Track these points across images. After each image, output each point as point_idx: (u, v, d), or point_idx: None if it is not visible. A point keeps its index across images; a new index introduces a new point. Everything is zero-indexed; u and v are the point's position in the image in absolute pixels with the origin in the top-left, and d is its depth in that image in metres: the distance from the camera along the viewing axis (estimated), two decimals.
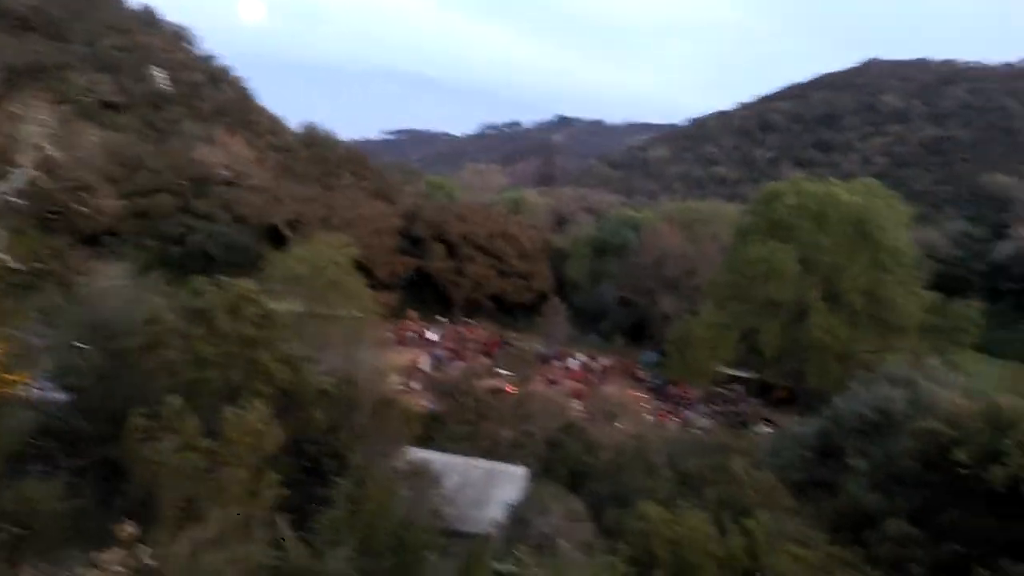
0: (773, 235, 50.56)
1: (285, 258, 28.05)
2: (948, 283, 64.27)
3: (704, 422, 44.08)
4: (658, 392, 52.09)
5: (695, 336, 50.87)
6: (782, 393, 52.89)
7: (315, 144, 75.09)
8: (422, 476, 8.59)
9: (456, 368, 41.13)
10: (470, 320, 63.78)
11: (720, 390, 52.96)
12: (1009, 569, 14.34)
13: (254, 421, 7.05)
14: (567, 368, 53.75)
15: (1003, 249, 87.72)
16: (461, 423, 17.64)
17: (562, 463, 16.78)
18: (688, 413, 46.89)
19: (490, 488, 8.91)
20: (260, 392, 8.26)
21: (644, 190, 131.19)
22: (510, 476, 10.98)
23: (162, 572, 5.29)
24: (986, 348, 58.81)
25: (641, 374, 55.90)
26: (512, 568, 6.54)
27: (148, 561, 5.41)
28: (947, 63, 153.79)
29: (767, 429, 41.96)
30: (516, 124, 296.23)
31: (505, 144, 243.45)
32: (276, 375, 8.94)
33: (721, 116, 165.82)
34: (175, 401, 7.03)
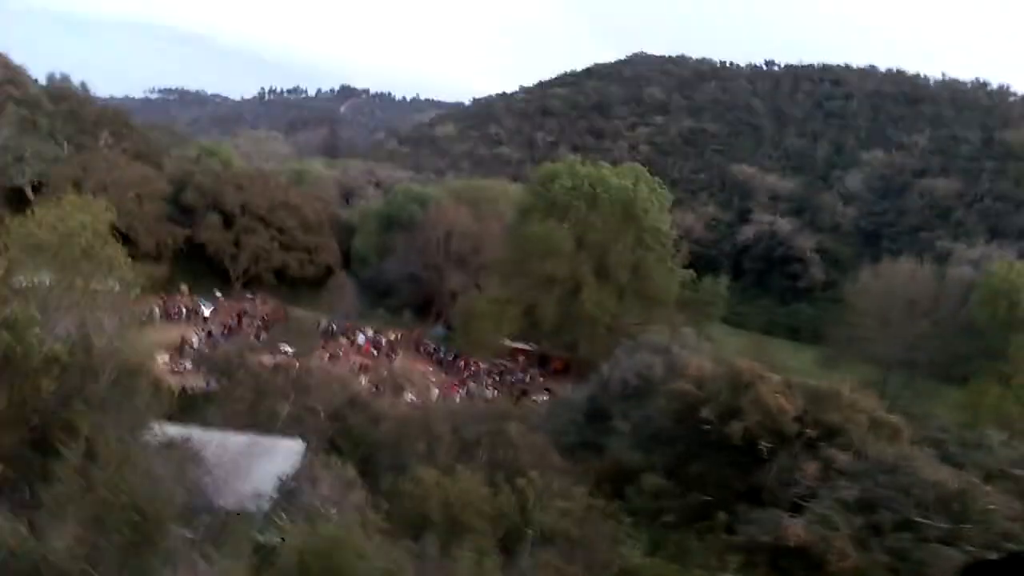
0: (551, 214, 53.01)
1: (25, 222, 24.45)
2: (701, 262, 71.44)
3: (488, 392, 45.48)
4: (445, 365, 52.93)
5: (480, 310, 52.30)
6: (559, 363, 56.00)
7: (65, 99, 66.79)
8: (173, 450, 8.00)
9: (232, 344, 38.94)
10: (251, 294, 60.59)
11: (504, 362, 54.95)
12: (745, 513, 16.30)
13: None
14: (355, 343, 52.92)
15: (746, 232, 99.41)
16: (235, 399, 16.76)
17: (344, 436, 16.54)
18: (473, 384, 48.11)
19: (254, 462, 8.53)
20: None
21: (432, 166, 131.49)
22: (280, 450, 10.60)
23: None
24: (732, 320, 66.26)
25: (429, 348, 56.44)
26: (272, 538, 6.30)
27: None
28: (703, 61, 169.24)
29: (546, 397, 44.24)
30: (299, 91, 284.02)
31: (287, 112, 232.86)
32: None
33: (505, 98, 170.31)
34: None
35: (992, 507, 15.08)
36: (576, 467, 18.06)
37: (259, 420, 15.07)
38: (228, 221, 60.66)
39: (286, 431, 13.86)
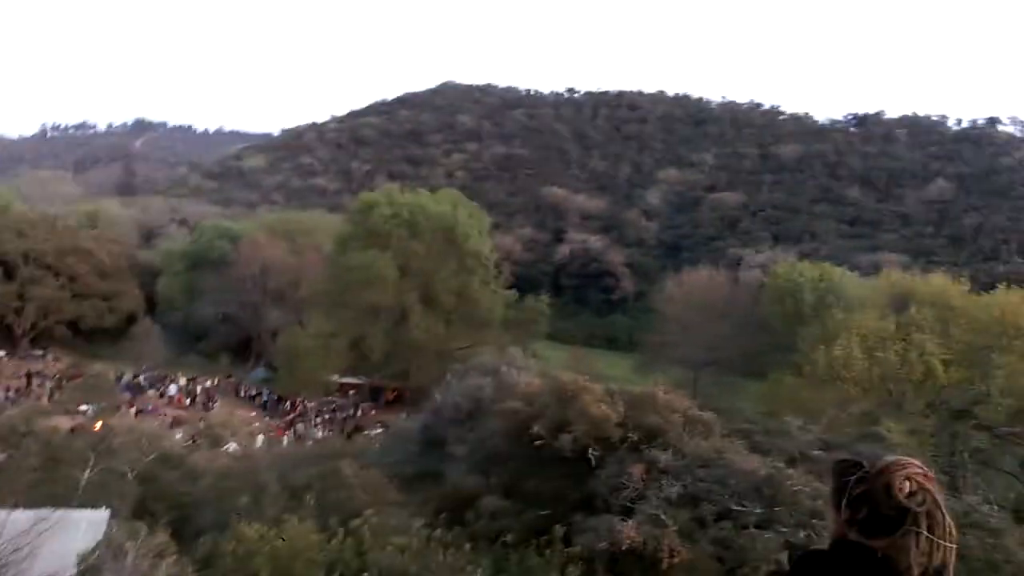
0: (371, 243, 52.43)
1: None
2: (522, 282, 73.47)
3: (318, 433, 43.85)
4: (270, 408, 50.52)
5: (303, 347, 50.57)
6: (391, 394, 55.16)
7: None
8: None
9: (19, 409, 34.78)
10: (41, 351, 54.65)
11: (333, 399, 53.28)
12: (581, 523, 16.73)
13: None
14: (166, 395, 49.12)
15: (562, 251, 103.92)
16: (22, 471, 14.80)
17: (158, 498, 15.17)
18: (302, 426, 46.19)
19: (45, 540, 7.49)
20: None
21: (242, 201, 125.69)
22: (78, 522, 9.41)
23: None
24: (555, 335, 68.50)
25: (251, 391, 53.66)
26: None
27: None
28: (509, 89, 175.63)
29: (380, 430, 43.28)
30: (87, 127, 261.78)
31: (74, 149, 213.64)
32: None
33: (316, 128, 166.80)
34: None
35: (797, 488, 16.51)
36: (415, 498, 17.75)
37: (55, 491, 13.41)
38: (10, 271, 54.56)
39: (88, 500, 12.42)
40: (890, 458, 2.26)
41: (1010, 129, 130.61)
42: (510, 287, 61.02)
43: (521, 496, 18.45)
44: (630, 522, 15.76)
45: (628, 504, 16.94)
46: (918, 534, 2.10)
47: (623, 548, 15.52)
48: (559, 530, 14.17)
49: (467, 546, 11.18)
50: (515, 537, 15.24)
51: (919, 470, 2.20)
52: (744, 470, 16.84)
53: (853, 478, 2.24)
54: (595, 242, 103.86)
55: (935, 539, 2.09)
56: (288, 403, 50.77)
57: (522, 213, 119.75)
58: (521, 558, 13.29)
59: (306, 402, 50.71)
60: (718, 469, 17.30)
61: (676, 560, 15.46)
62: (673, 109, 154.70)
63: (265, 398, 52.10)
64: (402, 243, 52.86)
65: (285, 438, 41.24)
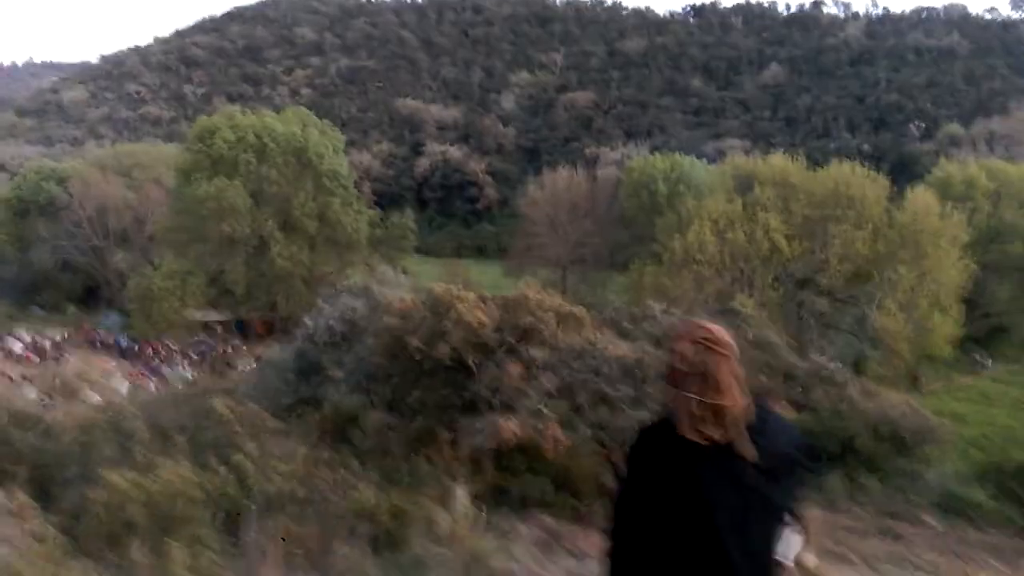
0: (217, 171, 49.56)
1: None
2: (385, 199, 72.35)
3: (186, 374, 42.21)
4: (128, 355, 47.88)
5: (157, 288, 48.12)
6: (261, 326, 53.62)
7: None
8: None
9: None
10: None
11: (198, 337, 51.20)
12: (467, 426, 17.16)
13: None
14: (9, 352, 45.47)
15: (422, 164, 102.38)
16: None
17: (14, 461, 14.14)
18: (167, 369, 44.22)
19: None
20: None
21: (65, 138, 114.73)
22: None
23: None
24: (424, 249, 68.26)
25: (106, 339, 50.60)
26: None
27: None
28: None
29: (252, 364, 42.13)
30: None
31: None
32: None
33: (139, 52, 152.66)
34: None
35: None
36: (297, 426, 17.53)
37: None
38: None
39: None
40: (679, 325, 2.31)
41: (833, 10, 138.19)
42: (373, 205, 59.84)
43: (405, 409, 18.61)
44: (513, 419, 16.25)
45: (509, 403, 17.44)
46: (676, 391, 2.16)
47: (509, 445, 16.07)
48: (446, 436, 14.44)
49: (355, 463, 11.18)
50: (402, 448, 15.46)
51: (705, 334, 2.21)
52: (615, 356, 17.64)
53: None
54: (454, 152, 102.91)
55: (695, 397, 2.12)
56: (148, 347, 48.35)
57: (377, 128, 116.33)
58: (410, 468, 13.49)
59: (168, 344, 48.50)
60: (591, 359, 18.01)
61: (559, 448, 16.21)
62: (518, 9, 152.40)
63: (123, 344, 49.32)
64: (251, 169, 50.26)
65: (149, 383, 39.43)
